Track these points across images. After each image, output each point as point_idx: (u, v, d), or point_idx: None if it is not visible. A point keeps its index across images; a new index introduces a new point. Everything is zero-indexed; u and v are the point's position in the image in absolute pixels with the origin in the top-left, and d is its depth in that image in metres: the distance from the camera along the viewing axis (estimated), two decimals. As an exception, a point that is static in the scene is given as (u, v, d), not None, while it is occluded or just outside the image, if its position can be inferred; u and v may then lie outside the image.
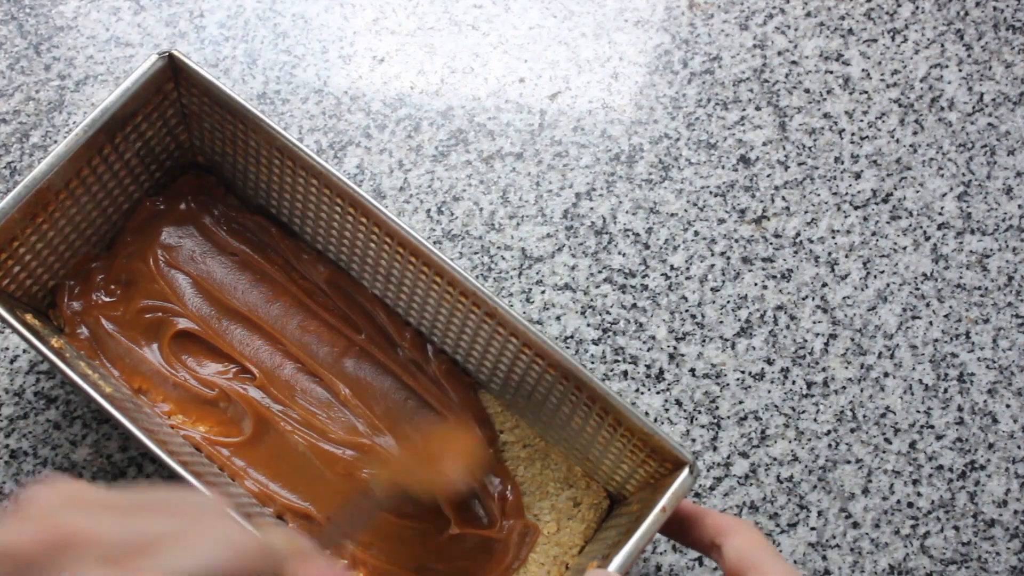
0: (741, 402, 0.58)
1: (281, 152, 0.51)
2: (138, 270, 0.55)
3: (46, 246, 0.51)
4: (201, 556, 0.30)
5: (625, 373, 0.58)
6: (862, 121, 0.64)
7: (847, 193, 0.62)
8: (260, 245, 0.57)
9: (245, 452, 0.52)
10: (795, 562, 0.54)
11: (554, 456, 0.54)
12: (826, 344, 0.59)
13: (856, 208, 0.62)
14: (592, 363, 0.58)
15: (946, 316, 0.60)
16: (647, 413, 0.57)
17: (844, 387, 0.58)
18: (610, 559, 0.44)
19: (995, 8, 0.67)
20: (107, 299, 0.54)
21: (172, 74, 0.51)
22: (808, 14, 0.67)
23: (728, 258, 0.60)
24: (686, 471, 0.46)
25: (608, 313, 0.59)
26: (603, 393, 0.47)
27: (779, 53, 0.65)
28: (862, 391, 0.58)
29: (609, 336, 0.59)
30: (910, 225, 0.62)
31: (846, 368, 0.58)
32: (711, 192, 0.62)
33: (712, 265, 0.60)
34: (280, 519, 0.51)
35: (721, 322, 0.59)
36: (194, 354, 0.54)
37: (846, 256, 0.61)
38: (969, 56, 0.66)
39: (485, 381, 0.55)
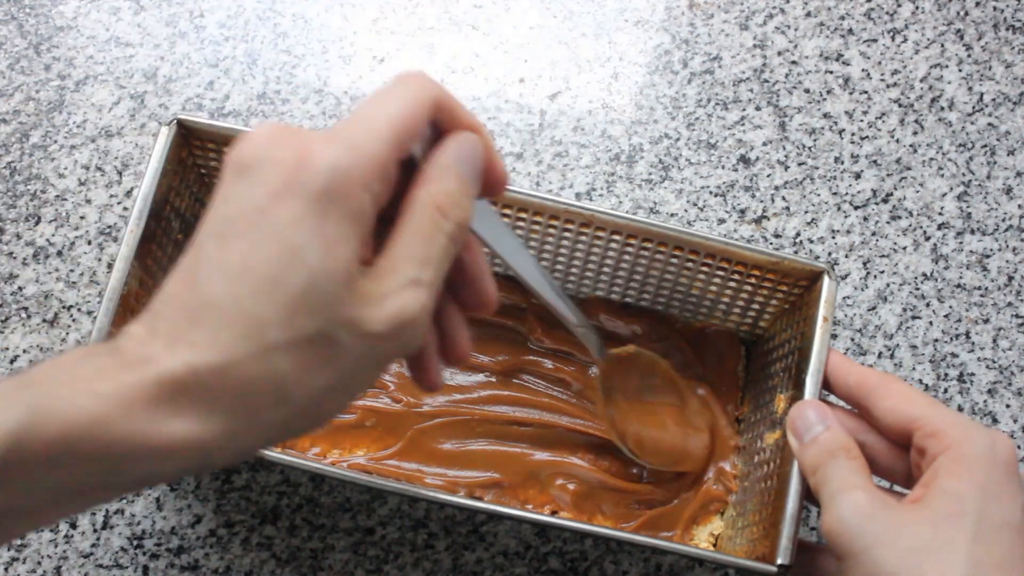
0: (741, 402, 0.58)
1: None
2: None
3: None
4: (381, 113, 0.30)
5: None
6: (862, 121, 0.64)
7: (847, 193, 0.62)
8: None
9: (411, 454, 0.53)
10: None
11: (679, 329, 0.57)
12: (826, 344, 0.59)
13: (856, 208, 0.62)
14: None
15: (946, 316, 0.60)
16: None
17: (844, 387, 0.58)
18: (803, 389, 0.46)
19: (995, 8, 0.67)
20: None
21: (185, 139, 0.50)
22: (808, 14, 0.67)
23: (728, 258, 0.60)
24: (826, 279, 0.48)
25: (608, 313, 0.59)
26: (723, 244, 0.49)
27: (779, 53, 0.65)
28: (862, 391, 0.58)
29: (609, 336, 0.59)
30: (910, 225, 0.62)
31: (846, 368, 0.58)
32: (711, 192, 0.62)
33: (712, 265, 0.60)
34: (475, 498, 0.52)
35: (721, 322, 0.59)
36: None
37: (846, 256, 0.61)
38: (969, 56, 0.66)
39: (588, 294, 0.56)
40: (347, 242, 0.28)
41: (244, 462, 0.55)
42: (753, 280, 0.51)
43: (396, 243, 0.30)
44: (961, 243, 0.61)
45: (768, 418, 0.50)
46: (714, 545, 0.52)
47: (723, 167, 0.62)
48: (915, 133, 0.64)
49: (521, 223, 0.52)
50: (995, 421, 0.58)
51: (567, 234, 0.52)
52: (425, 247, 0.30)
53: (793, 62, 0.65)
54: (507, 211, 0.51)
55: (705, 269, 0.52)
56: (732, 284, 0.52)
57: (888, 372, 0.43)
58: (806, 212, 0.62)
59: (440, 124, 0.33)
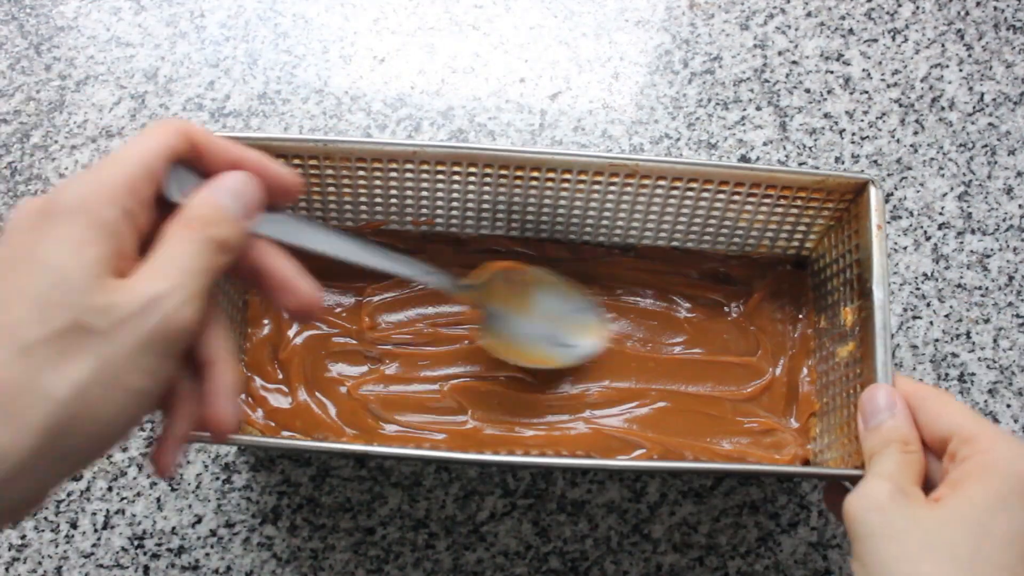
0: (741, 402, 0.58)
1: (364, 159, 0.50)
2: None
3: None
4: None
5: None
6: (862, 121, 0.64)
7: (847, 193, 0.62)
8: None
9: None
10: (795, 563, 0.54)
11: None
12: (826, 344, 0.59)
13: (856, 208, 0.62)
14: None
15: (947, 316, 0.60)
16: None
17: (844, 387, 0.58)
18: (870, 298, 0.47)
19: (995, 8, 0.67)
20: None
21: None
22: (808, 14, 0.67)
23: (728, 258, 0.60)
24: (872, 188, 0.49)
25: (608, 313, 0.59)
26: (767, 171, 0.50)
27: (779, 53, 0.66)
28: (862, 391, 0.58)
29: (609, 336, 0.59)
30: (910, 225, 0.62)
31: (846, 368, 0.59)
32: (711, 192, 0.62)
33: (712, 265, 0.60)
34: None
35: (721, 322, 0.59)
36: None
37: (846, 256, 0.61)
38: (969, 56, 0.66)
39: (635, 243, 0.57)
40: (94, 244, 0.31)
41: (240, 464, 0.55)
42: (799, 202, 0.52)
43: (148, 255, 0.33)
44: (961, 243, 0.61)
45: (836, 332, 0.51)
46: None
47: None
48: (915, 133, 0.64)
49: (566, 183, 0.52)
50: (996, 421, 0.58)
51: (612, 187, 0.52)
52: (172, 253, 0.33)
53: (794, 62, 0.65)
54: (551, 175, 0.51)
55: (752, 199, 0.52)
56: (779, 209, 0.53)
57: (939, 388, 0.44)
58: (806, 212, 0.62)
59: (205, 167, 0.36)
